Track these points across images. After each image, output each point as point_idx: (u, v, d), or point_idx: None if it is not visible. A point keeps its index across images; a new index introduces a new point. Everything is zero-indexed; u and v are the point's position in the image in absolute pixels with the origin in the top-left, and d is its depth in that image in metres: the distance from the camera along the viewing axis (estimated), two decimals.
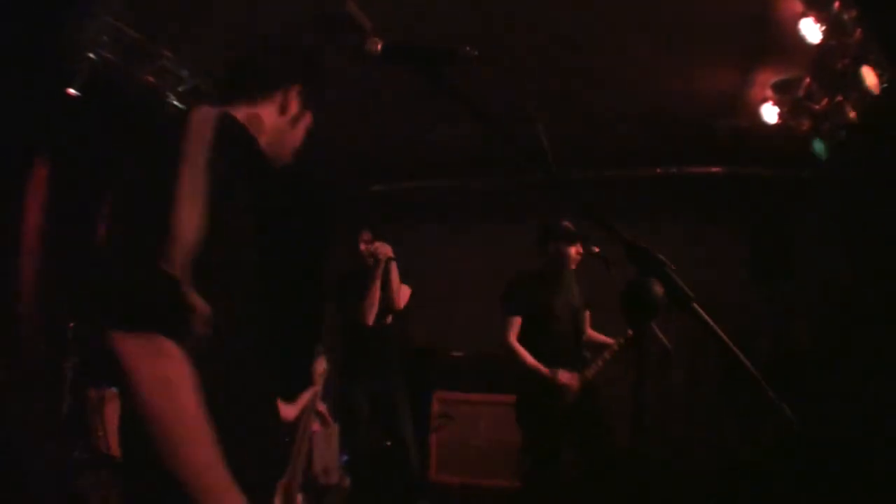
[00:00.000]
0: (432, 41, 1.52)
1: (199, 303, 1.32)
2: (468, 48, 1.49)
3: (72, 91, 4.72)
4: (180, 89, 5.16)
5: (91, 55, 4.67)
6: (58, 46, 4.61)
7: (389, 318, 5.07)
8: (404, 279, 5.09)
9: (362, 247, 5.01)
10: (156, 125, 1.59)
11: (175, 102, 5.18)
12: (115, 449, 4.48)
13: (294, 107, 1.82)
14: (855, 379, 4.74)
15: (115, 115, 5.10)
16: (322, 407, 2.50)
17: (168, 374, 1.28)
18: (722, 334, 1.36)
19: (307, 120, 1.89)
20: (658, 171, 6.98)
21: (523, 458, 4.51)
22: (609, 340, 4.56)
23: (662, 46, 4.76)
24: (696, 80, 5.27)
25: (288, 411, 2.21)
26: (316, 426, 2.46)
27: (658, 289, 1.31)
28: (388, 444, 5.14)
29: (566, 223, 4.45)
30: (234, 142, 1.55)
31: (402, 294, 5.03)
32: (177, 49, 4.95)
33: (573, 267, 4.54)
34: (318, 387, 2.54)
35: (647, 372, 1.33)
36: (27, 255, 4.91)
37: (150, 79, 4.96)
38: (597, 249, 4.29)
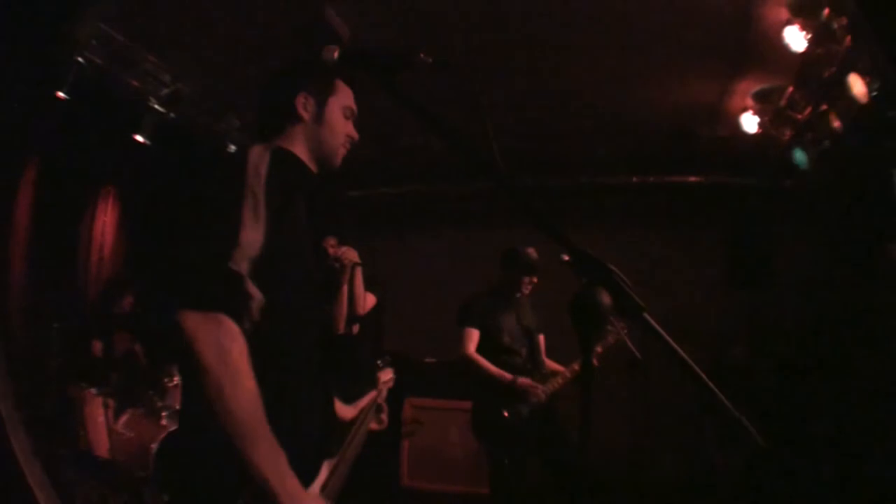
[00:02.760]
0: (398, 48, 1.53)
1: (255, 292, 1.63)
2: (423, 55, 1.50)
3: (61, 94, 4.73)
4: (162, 93, 5.17)
5: (80, 59, 4.68)
6: (48, 50, 4.62)
7: (356, 327, 5.02)
8: (377, 286, 5.05)
9: (330, 251, 4.97)
10: (221, 161, 2.03)
11: (157, 107, 5.19)
12: (95, 448, 4.48)
13: (306, 111, 2.04)
14: (830, 389, 4.74)
15: (101, 117, 5.12)
16: (384, 412, 2.65)
17: (225, 343, 1.57)
18: (675, 345, 1.33)
19: (335, 104, 2.07)
20: (635, 179, 6.98)
21: (489, 467, 4.55)
22: (561, 368, 4.63)
23: (642, 55, 4.75)
24: (676, 89, 5.26)
25: (345, 412, 2.45)
26: (374, 425, 2.59)
27: (606, 298, 1.30)
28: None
29: (529, 251, 4.53)
30: (286, 170, 1.85)
31: (366, 301, 4.98)
32: (161, 54, 4.96)
33: (526, 293, 4.64)
34: (381, 394, 2.69)
35: (593, 385, 1.33)
36: (15, 255, 4.92)
37: (134, 83, 4.97)
38: (566, 258, 4.28)
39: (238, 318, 1.59)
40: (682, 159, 6.50)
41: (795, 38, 4.22)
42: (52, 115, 4.89)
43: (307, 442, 1.83)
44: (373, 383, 2.73)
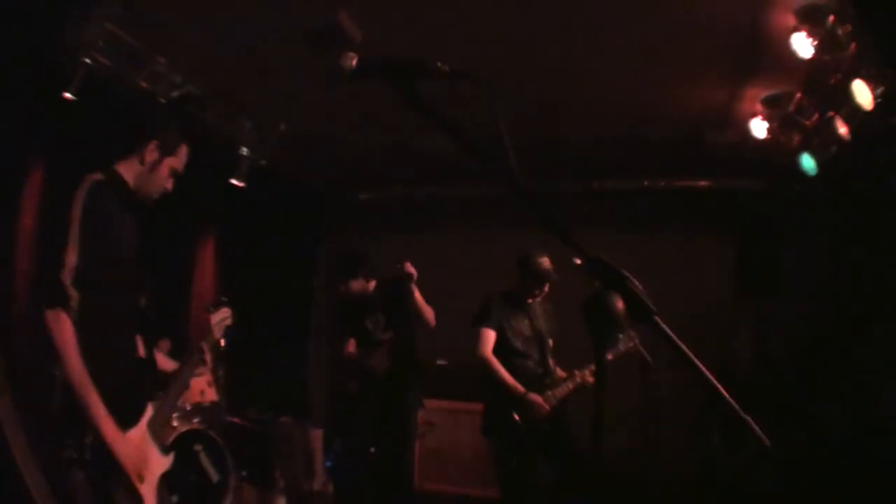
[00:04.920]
0: (412, 55, 1.55)
1: (73, 293, 2.41)
2: (440, 63, 1.53)
3: (68, 95, 4.75)
4: (173, 94, 5.19)
5: (87, 60, 4.70)
6: (55, 51, 4.64)
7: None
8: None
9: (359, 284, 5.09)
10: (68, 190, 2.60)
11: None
12: None
13: (150, 157, 2.72)
14: (834, 394, 4.75)
15: (109, 119, 5.14)
16: (207, 355, 3.08)
17: (64, 331, 2.39)
18: (685, 348, 1.36)
19: (169, 164, 2.76)
20: (646, 183, 7.03)
21: (496, 468, 4.59)
22: (563, 374, 4.68)
23: (653, 60, 4.78)
24: (686, 94, 5.29)
25: (167, 364, 3.04)
26: (202, 371, 3.34)
27: (619, 303, 1.33)
28: (373, 450, 5.14)
29: (542, 260, 4.61)
30: (105, 197, 2.58)
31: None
32: (171, 55, 4.98)
33: (538, 299, 4.75)
34: (211, 335, 3.12)
35: (607, 386, 1.38)
36: (21, 257, 4.93)
37: (144, 84, 4.99)
38: (578, 261, 4.30)
39: (67, 311, 2.39)
40: (692, 164, 6.55)
41: (802, 45, 4.23)
42: (60, 116, 4.91)
43: (128, 390, 2.61)
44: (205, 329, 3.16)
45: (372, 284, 5.26)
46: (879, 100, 4.34)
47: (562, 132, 6.07)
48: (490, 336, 4.59)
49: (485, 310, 4.68)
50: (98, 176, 2.60)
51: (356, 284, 5.19)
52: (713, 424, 5.29)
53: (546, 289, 4.68)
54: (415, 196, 7.77)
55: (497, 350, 4.58)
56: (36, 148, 5.06)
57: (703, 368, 1.37)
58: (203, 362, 3.06)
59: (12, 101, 4.52)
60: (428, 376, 6.45)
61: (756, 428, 1.40)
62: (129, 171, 2.72)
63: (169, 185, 2.80)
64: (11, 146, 4.70)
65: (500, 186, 1.46)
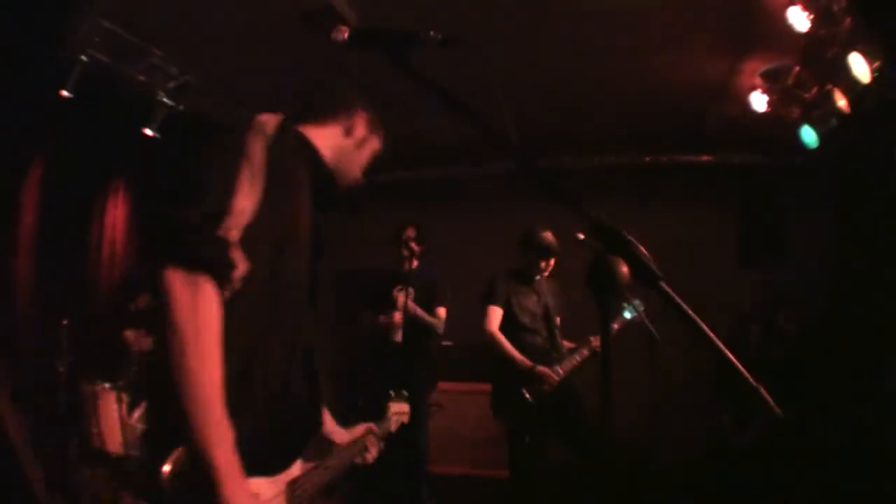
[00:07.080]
0: (407, 26, 1.53)
1: (241, 261, 1.59)
2: (432, 32, 1.50)
3: (65, 93, 4.75)
4: (170, 86, 5.18)
5: (83, 57, 4.70)
6: (51, 50, 4.63)
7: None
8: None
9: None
10: (221, 126, 1.84)
11: (165, 100, 5.21)
12: (108, 444, 4.50)
13: (360, 131, 2.07)
14: (841, 367, 4.74)
15: (107, 113, 5.13)
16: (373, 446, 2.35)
17: (201, 305, 1.52)
18: (692, 313, 1.34)
19: (374, 144, 2.13)
20: (647, 159, 7.05)
21: (509, 447, 4.59)
22: (572, 345, 4.70)
23: (652, 35, 4.76)
24: (685, 69, 5.27)
25: (339, 435, 2.21)
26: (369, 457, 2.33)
27: (623, 266, 1.31)
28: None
29: (545, 234, 4.62)
30: (293, 144, 1.86)
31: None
32: (167, 47, 4.95)
33: (545, 274, 4.75)
34: (382, 427, 2.49)
35: (610, 352, 1.37)
36: (23, 254, 4.93)
37: (141, 77, 4.98)
38: (582, 237, 4.29)
39: (220, 284, 1.56)
40: (693, 138, 6.55)
41: (798, 19, 4.22)
42: (60, 113, 4.91)
43: (276, 429, 1.73)
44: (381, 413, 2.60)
45: None
46: (876, 73, 4.33)
47: (561, 108, 6.05)
48: (497, 313, 4.62)
49: (491, 287, 4.71)
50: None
51: None
52: (723, 403, 5.27)
53: (552, 263, 4.69)
54: (417, 177, 7.72)
55: (505, 326, 4.61)
56: (34, 147, 5.06)
57: (711, 334, 1.35)
58: (374, 446, 2.32)
59: (9, 101, 4.52)
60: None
61: (767, 397, 1.37)
62: (325, 139, 2.01)
63: (361, 173, 2.14)
64: (9, 145, 4.70)
65: (499, 158, 1.44)
